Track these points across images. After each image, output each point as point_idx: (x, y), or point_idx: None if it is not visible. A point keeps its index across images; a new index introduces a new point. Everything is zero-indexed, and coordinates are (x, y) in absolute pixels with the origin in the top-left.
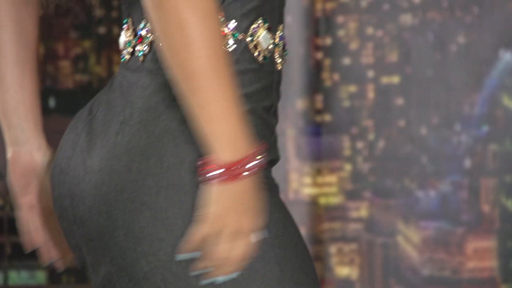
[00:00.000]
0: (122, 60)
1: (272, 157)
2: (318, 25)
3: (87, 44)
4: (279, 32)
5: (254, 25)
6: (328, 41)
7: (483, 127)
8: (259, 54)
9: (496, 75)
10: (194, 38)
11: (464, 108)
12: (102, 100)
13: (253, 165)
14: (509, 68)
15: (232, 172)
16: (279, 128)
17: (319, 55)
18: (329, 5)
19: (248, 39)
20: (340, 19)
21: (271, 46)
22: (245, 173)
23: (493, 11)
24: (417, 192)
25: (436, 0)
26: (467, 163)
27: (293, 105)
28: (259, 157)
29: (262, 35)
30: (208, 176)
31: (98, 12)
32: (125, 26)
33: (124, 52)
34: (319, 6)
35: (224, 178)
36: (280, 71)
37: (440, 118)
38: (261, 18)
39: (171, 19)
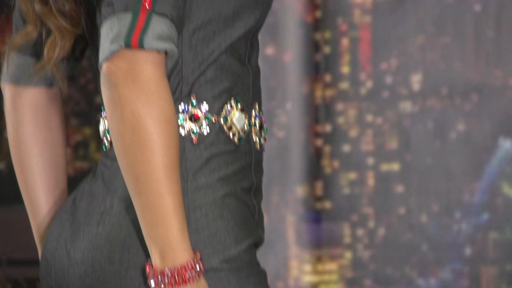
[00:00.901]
0: (103, 149)
1: (255, 240)
2: (317, 112)
3: (87, 131)
4: (254, 111)
5: (227, 106)
6: (327, 128)
7: (483, 215)
8: (234, 136)
9: (496, 163)
10: (150, 143)
11: (464, 196)
12: (85, 189)
13: (191, 273)
14: (509, 156)
15: (169, 279)
16: (278, 215)
17: (319, 142)
18: (329, 93)
19: (222, 121)
20: (339, 106)
21: (246, 127)
22: (186, 279)
23: (493, 99)
24: (417, 280)
25: (436, 87)
26: (468, 251)
27: (293, 192)
28: (198, 265)
29: (235, 116)
30: (150, 282)
31: (99, 99)
32: (103, 114)
33: (104, 140)
34: (318, 93)
35: (164, 284)
36: (259, 151)
37: (440, 206)
38: (233, 98)
39: (128, 121)
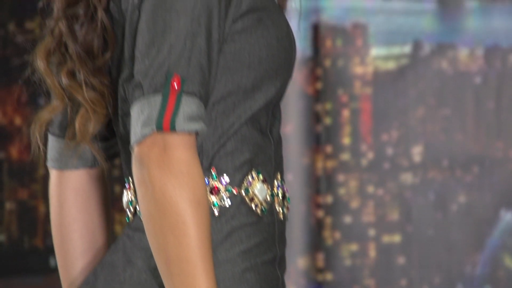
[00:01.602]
0: (127, 220)
1: None
2: (319, 183)
3: None
4: (277, 181)
5: (248, 178)
6: (329, 199)
7: (485, 287)
8: (256, 207)
9: (497, 235)
10: (181, 225)
11: (466, 268)
12: (106, 261)
13: None
14: (510, 228)
15: None
16: None
17: (320, 213)
18: (330, 164)
19: (243, 192)
20: (340, 177)
21: (269, 198)
22: None
23: (493, 171)
24: None
25: (436, 159)
26: None
27: (294, 264)
28: None
29: (257, 188)
30: None
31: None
32: (127, 185)
33: (127, 211)
34: (319, 164)
35: None
36: (282, 221)
37: (441, 278)
38: (254, 170)
39: (159, 203)
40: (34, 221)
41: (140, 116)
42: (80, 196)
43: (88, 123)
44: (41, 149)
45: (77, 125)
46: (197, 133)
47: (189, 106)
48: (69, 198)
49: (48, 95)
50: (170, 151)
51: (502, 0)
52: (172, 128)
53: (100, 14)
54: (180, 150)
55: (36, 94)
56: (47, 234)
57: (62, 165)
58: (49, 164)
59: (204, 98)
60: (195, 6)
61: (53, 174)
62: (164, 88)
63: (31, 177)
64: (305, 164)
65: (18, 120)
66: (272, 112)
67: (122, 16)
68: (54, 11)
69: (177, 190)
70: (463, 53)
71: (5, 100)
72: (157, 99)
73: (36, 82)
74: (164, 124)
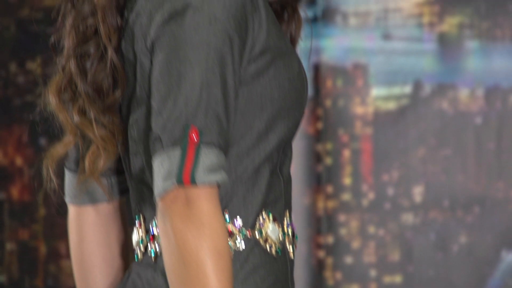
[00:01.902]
0: (135, 258)
1: None
2: (320, 224)
3: None
4: (286, 219)
5: (260, 219)
6: (330, 239)
7: None
8: (271, 248)
9: (498, 276)
10: (201, 276)
11: None
12: None
13: None
14: (511, 269)
15: None
16: None
17: (321, 253)
18: (331, 204)
19: (257, 234)
20: (341, 217)
21: (281, 237)
22: None
23: (494, 212)
24: None
25: (437, 200)
26: None
27: None
28: None
29: (269, 228)
30: None
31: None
32: (136, 222)
33: (137, 249)
34: (320, 204)
35: None
36: (292, 260)
37: None
38: (264, 210)
39: (181, 254)
40: (35, 262)
41: (160, 169)
42: (99, 231)
43: (98, 159)
44: (54, 182)
45: (86, 161)
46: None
47: (208, 157)
48: (88, 233)
49: (50, 135)
50: (192, 204)
51: (502, 40)
52: (193, 182)
53: (110, 53)
54: (202, 202)
55: (37, 135)
56: (48, 274)
57: (80, 201)
58: (67, 199)
59: (224, 147)
60: (208, 55)
61: (72, 210)
62: (182, 141)
63: (32, 218)
64: (306, 204)
65: (19, 161)
66: (283, 150)
67: (134, 56)
68: (64, 48)
69: (197, 241)
70: (463, 93)
71: (6, 140)
72: (176, 153)
73: (39, 122)
74: (184, 177)
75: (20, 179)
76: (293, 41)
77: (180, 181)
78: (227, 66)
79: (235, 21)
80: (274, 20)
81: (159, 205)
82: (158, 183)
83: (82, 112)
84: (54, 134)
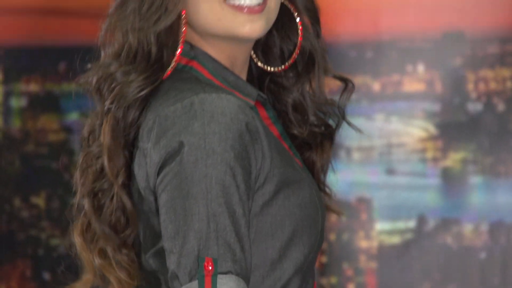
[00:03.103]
0: None
1: None
2: None
3: None
4: None
5: None
6: None
7: None
8: None
9: None
10: None
11: None
12: None
13: None
14: None
15: None
16: None
17: None
18: None
19: None
20: None
21: None
22: None
23: None
24: None
25: None
26: None
27: None
28: None
29: None
30: None
31: None
32: None
33: None
34: None
35: None
36: None
37: None
38: None
39: None
40: None
41: None
42: None
43: None
44: None
45: None
46: None
47: (226, 284)
48: None
49: (53, 272)
50: None
51: (506, 176)
52: None
53: (117, 191)
54: None
55: (40, 269)
56: None
57: None
58: None
59: (242, 274)
60: (211, 188)
61: None
62: (198, 273)
63: None
64: None
65: None
66: (303, 278)
67: (139, 194)
68: (78, 188)
69: None
70: (467, 228)
71: (10, 275)
72: (194, 287)
73: (42, 257)
74: None
75: None
76: (316, 169)
77: None
78: (232, 196)
79: (234, 151)
80: (278, 148)
81: None
82: None
83: (103, 254)
84: (58, 269)
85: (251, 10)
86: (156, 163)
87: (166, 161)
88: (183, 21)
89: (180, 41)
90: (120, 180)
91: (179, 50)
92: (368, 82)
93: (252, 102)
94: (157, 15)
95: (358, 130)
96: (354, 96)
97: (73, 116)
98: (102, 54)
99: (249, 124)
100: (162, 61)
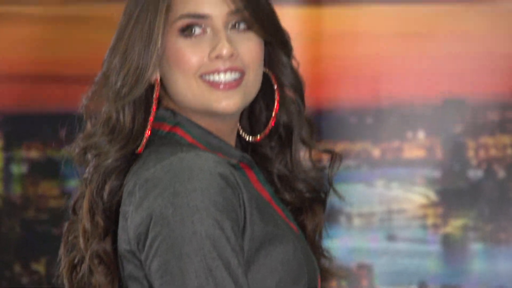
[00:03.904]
0: None
1: None
2: None
3: None
4: None
5: None
6: None
7: None
8: None
9: None
10: None
11: None
12: None
13: None
14: None
15: None
16: None
17: None
18: None
19: None
20: None
21: None
22: None
23: None
24: None
25: None
26: None
27: None
28: None
29: None
30: None
31: None
32: None
33: None
34: None
35: None
36: None
37: None
38: None
39: None
40: None
41: None
42: None
43: None
44: None
45: None
46: None
47: None
48: None
49: None
50: None
51: (507, 243)
52: None
53: (90, 264)
54: None
55: None
56: None
57: None
58: None
59: None
60: (202, 243)
61: None
62: None
63: None
64: None
65: None
66: None
67: (121, 258)
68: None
69: None
70: None
71: None
72: None
73: None
74: None
75: None
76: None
77: None
78: (224, 248)
79: (217, 205)
80: (260, 205)
81: None
82: None
83: None
84: None
85: (227, 86)
86: (138, 224)
87: (149, 224)
88: (156, 90)
89: (152, 110)
90: (96, 248)
91: (150, 119)
92: (368, 148)
93: (234, 161)
94: (129, 86)
95: (342, 197)
96: (354, 162)
97: (74, 182)
98: (88, 123)
99: (228, 177)
100: (136, 131)
